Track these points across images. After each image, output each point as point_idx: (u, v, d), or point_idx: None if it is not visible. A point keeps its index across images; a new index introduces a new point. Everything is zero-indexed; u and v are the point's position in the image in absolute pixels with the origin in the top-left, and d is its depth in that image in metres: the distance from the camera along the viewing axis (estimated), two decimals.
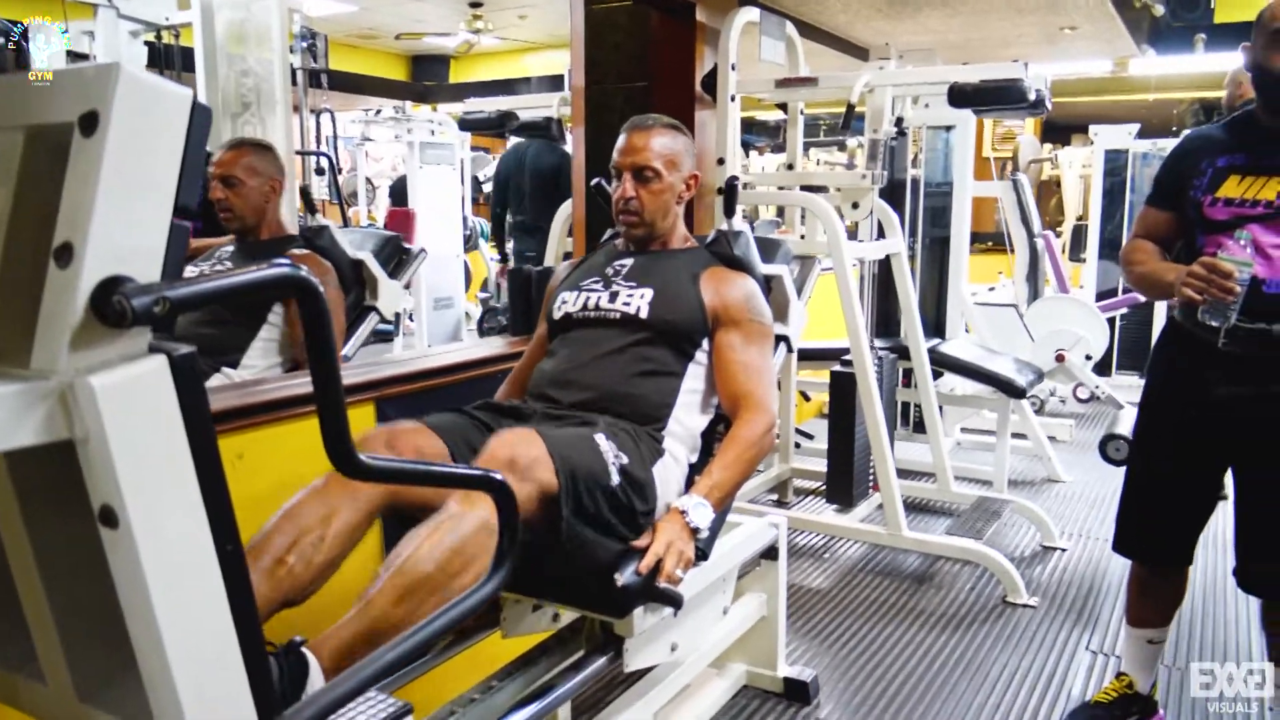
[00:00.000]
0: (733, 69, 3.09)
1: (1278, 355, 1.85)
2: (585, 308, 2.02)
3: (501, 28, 9.02)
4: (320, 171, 6.34)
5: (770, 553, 2.33)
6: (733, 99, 3.12)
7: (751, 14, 3.10)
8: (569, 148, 4.05)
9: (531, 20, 8.79)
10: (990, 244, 8.30)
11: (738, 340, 1.99)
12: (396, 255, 3.37)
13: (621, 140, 2.07)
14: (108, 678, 0.92)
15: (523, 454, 1.57)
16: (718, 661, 2.37)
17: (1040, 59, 4.43)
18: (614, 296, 2.01)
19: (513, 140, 5.05)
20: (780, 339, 2.32)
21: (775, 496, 4.01)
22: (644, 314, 1.96)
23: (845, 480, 3.45)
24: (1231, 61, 6.25)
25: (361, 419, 2.08)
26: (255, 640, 0.88)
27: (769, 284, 2.35)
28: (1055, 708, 2.38)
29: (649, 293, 1.98)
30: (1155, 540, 2.14)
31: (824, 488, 3.65)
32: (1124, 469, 2.22)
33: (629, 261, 2.09)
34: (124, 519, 0.78)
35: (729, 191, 2.46)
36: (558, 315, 2.06)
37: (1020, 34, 4.17)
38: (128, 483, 0.77)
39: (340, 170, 7.31)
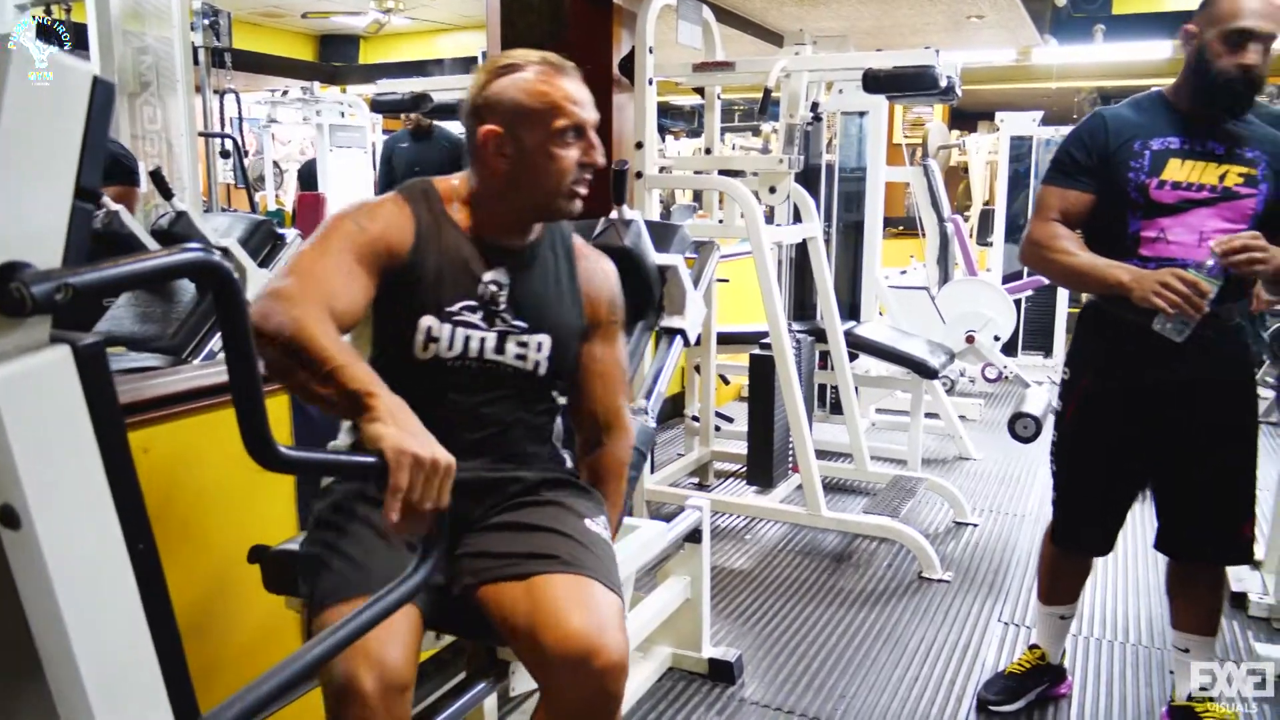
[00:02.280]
0: (650, 52, 3.08)
1: (1208, 337, 1.87)
2: (466, 356, 1.55)
3: (412, 8, 8.84)
4: (225, 154, 6.15)
5: (694, 536, 2.34)
6: (650, 82, 3.11)
7: None
8: None
9: (443, 0, 8.64)
10: (901, 228, 8.48)
11: (600, 348, 1.72)
12: (269, 242, 3.20)
13: (559, 86, 1.58)
14: (7, 689, 0.87)
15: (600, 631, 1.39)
16: (643, 645, 2.38)
17: (947, 46, 4.52)
18: (502, 340, 1.57)
19: None
20: (677, 332, 2.23)
21: (696, 480, 4.04)
22: (543, 370, 1.61)
23: (765, 462, 3.49)
24: (1130, 52, 6.46)
25: (276, 409, 2.01)
26: (171, 644, 0.84)
27: (664, 275, 2.22)
28: (970, 678, 2.45)
29: (546, 342, 1.60)
30: (1098, 533, 2.16)
31: (744, 470, 3.69)
32: (1055, 462, 2.18)
33: (505, 280, 1.58)
34: (26, 519, 0.73)
35: (618, 177, 2.14)
36: (423, 354, 1.54)
37: (928, 21, 4.25)
38: (30, 480, 0.73)
39: (246, 153, 7.10)
